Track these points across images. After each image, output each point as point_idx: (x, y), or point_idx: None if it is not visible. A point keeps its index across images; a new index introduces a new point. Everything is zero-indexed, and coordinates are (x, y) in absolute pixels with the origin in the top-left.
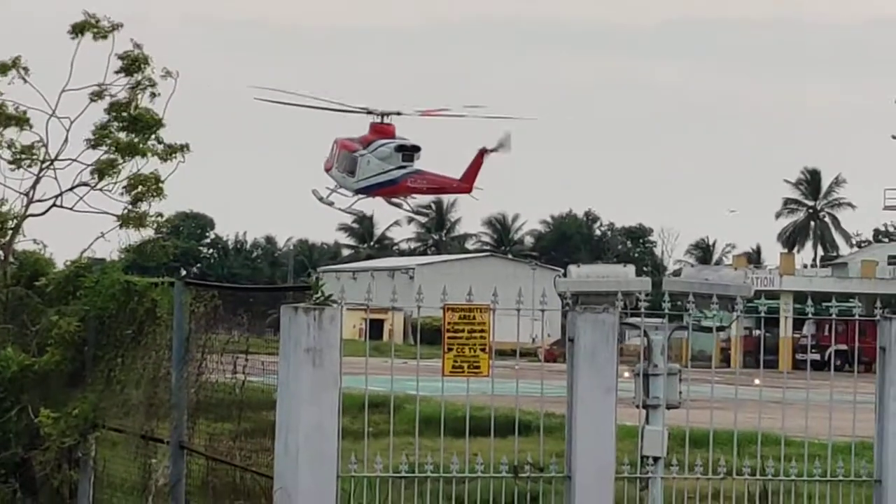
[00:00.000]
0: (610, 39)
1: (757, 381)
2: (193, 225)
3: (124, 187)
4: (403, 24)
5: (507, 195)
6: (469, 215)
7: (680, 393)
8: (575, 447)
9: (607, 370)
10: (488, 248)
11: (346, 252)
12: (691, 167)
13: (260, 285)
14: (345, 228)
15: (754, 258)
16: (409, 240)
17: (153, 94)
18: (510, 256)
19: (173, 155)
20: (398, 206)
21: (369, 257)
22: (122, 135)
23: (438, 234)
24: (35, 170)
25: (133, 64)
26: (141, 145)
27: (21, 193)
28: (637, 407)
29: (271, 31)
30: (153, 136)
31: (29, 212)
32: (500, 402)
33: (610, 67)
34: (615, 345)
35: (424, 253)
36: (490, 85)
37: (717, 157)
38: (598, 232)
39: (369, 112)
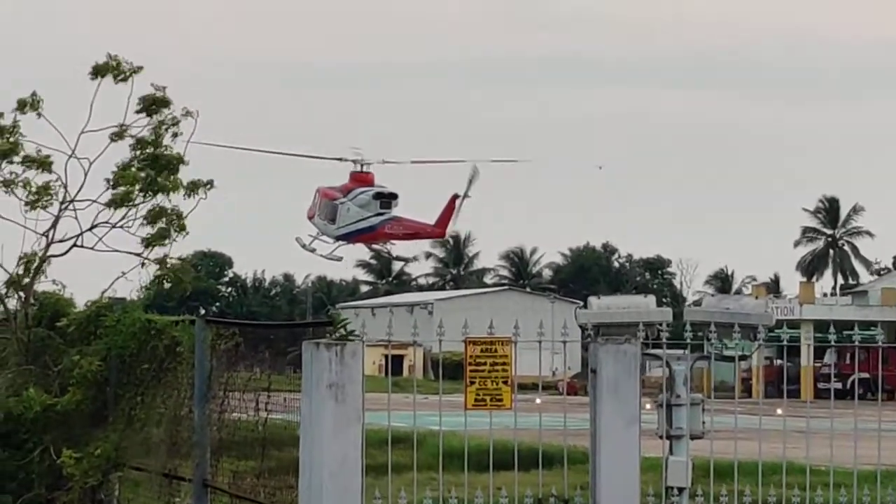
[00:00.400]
0: (625, 69)
1: (779, 411)
2: (212, 264)
3: (144, 217)
4: (413, 61)
5: (525, 229)
6: (487, 249)
7: (703, 423)
8: (599, 479)
9: (630, 401)
10: (506, 281)
11: (364, 288)
12: (709, 197)
13: (293, 322)
14: (363, 265)
15: (773, 288)
16: (427, 275)
17: (175, 134)
18: (529, 290)
19: (197, 191)
20: (378, 251)
21: (388, 293)
22: (142, 174)
23: (456, 269)
24: (53, 210)
25: (153, 105)
26: (162, 181)
27: (40, 235)
28: (660, 438)
29: (287, 69)
30: (173, 176)
31: (49, 252)
32: (523, 435)
33: (625, 98)
34: (637, 376)
35: (443, 288)
36: (502, 119)
37: (735, 187)
38: (616, 264)
39: (341, 160)
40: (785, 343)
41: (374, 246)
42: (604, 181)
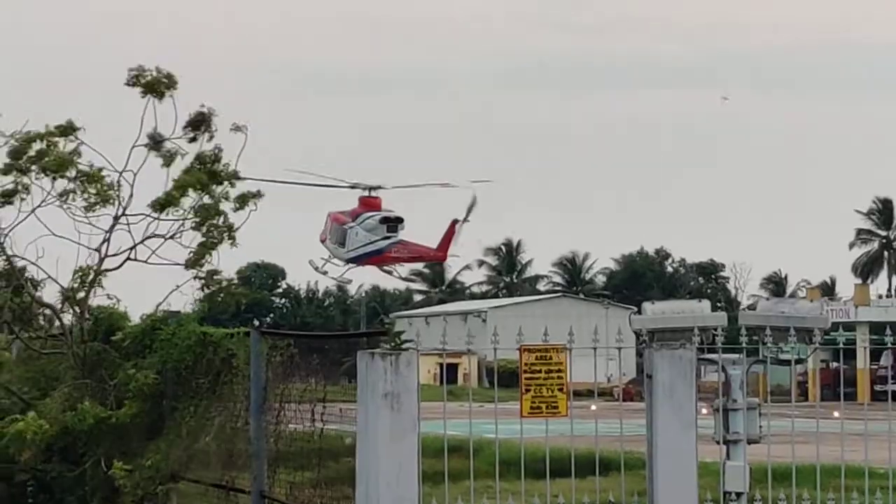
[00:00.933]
0: (669, 72)
1: (836, 414)
2: (265, 275)
3: (194, 213)
4: (444, 67)
5: (578, 235)
6: (540, 257)
7: (760, 427)
8: (656, 485)
9: (686, 406)
10: (560, 288)
11: (417, 297)
12: (761, 200)
13: (346, 332)
14: (416, 274)
15: (828, 290)
16: (480, 283)
17: (219, 154)
18: (582, 296)
19: (247, 203)
20: (389, 273)
21: (441, 302)
22: (196, 180)
23: (509, 277)
24: (106, 224)
25: (200, 120)
26: (218, 189)
27: (93, 249)
28: (717, 443)
29: (316, 74)
30: (227, 191)
31: (103, 266)
32: (579, 442)
33: (672, 101)
34: (693, 380)
35: (496, 296)
36: (547, 123)
37: (788, 190)
38: (669, 269)
39: (353, 187)
40: (841, 346)
41: (386, 268)
42: (656, 185)
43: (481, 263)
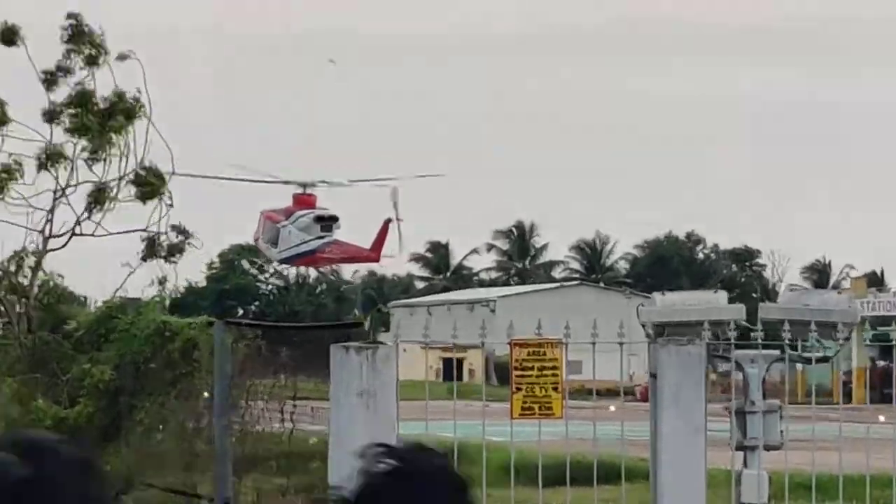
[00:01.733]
0: (712, 45)
1: (882, 418)
2: (251, 259)
3: (87, 158)
4: (432, 33)
5: (599, 217)
6: (556, 241)
7: (781, 432)
8: (661, 495)
9: (695, 408)
10: (578, 276)
11: (419, 285)
12: (805, 182)
13: (319, 323)
14: (418, 259)
15: (877, 281)
16: (489, 269)
17: (93, 61)
18: (602, 285)
19: (134, 114)
20: (324, 274)
21: (446, 289)
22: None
23: (522, 262)
24: (47, 205)
25: (76, 37)
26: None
27: (37, 231)
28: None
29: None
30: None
31: (48, 247)
32: (578, 447)
33: (711, 79)
34: (703, 380)
35: (507, 283)
36: (568, 95)
37: (834, 170)
38: (700, 255)
39: (286, 182)
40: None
41: (320, 268)
42: (688, 165)
43: (490, 248)
